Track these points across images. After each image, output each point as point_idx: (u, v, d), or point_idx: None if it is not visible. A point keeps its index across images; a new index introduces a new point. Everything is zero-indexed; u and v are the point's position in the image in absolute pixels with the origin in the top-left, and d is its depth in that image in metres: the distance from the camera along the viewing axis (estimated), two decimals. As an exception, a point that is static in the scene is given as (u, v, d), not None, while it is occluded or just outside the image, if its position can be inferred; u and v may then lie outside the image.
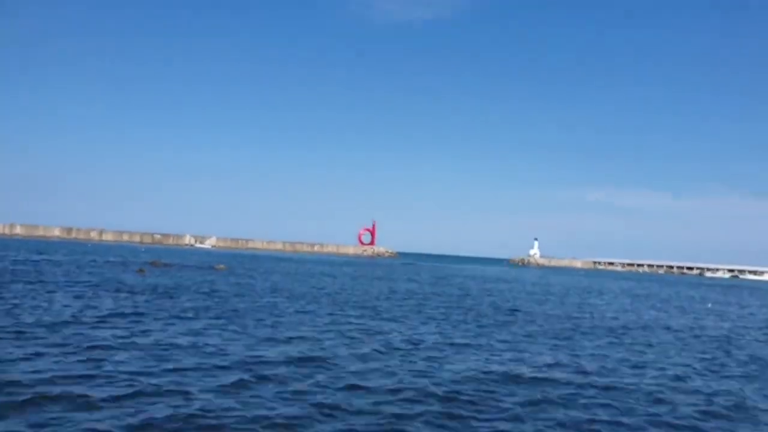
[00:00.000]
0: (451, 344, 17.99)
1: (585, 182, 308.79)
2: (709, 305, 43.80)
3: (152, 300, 24.73)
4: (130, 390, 10.76)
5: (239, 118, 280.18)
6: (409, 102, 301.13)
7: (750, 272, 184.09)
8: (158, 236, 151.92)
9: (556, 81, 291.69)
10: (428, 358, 15.48)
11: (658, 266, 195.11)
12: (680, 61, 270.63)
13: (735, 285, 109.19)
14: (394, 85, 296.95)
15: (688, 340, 22.65)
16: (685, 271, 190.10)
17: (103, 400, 10.11)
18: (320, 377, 12.71)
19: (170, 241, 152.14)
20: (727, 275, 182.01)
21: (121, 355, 13.50)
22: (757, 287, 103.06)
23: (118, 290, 27.84)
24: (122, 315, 19.75)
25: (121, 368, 12.27)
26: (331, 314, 23.77)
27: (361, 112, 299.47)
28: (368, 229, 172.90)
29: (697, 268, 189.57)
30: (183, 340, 15.78)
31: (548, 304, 36.14)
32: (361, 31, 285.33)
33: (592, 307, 35.91)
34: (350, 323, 21.48)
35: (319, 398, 11.07)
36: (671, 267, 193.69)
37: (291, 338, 17.30)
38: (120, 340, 15.20)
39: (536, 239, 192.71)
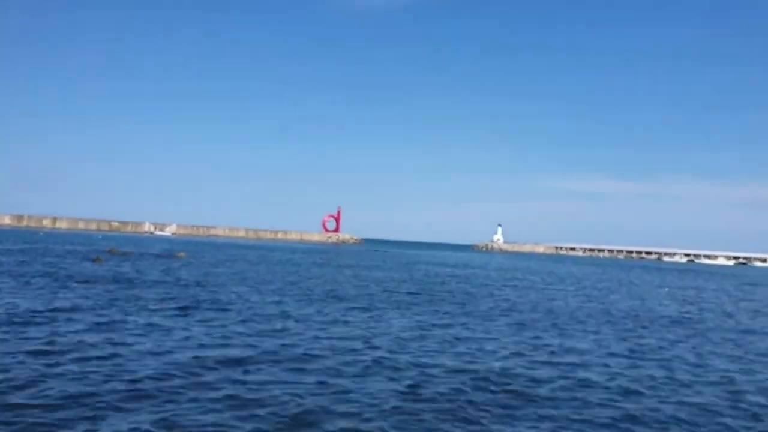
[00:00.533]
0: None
1: (547, 170, 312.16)
2: (666, 290, 44.27)
3: (109, 291, 23.37)
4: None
5: (200, 104, 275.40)
6: (375, 90, 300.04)
7: (705, 256, 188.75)
8: (116, 224, 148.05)
9: (520, 70, 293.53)
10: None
11: (618, 251, 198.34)
12: (639, 52, 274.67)
13: (691, 269, 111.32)
14: (359, 73, 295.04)
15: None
16: (643, 255, 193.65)
17: None
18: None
19: (129, 228, 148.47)
20: (684, 259, 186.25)
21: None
22: (711, 271, 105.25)
23: (70, 280, 26.35)
24: (69, 309, 18.45)
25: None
26: (296, 304, 22.79)
27: (325, 99, 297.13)
28: (333, 216, 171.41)
29: (656, 253, 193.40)
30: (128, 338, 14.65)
31: (522, 291, 35.82)
32: (326, 19, 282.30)
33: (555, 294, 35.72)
34: (326, 316, 20.53)
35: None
36: (630, 252, 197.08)
37: (251, 334, 16.28)
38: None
39: (500, 225, 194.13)
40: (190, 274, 33.09)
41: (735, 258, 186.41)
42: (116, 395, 9.69)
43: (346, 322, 18.69)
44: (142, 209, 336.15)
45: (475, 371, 12.61)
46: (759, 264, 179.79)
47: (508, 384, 11.70)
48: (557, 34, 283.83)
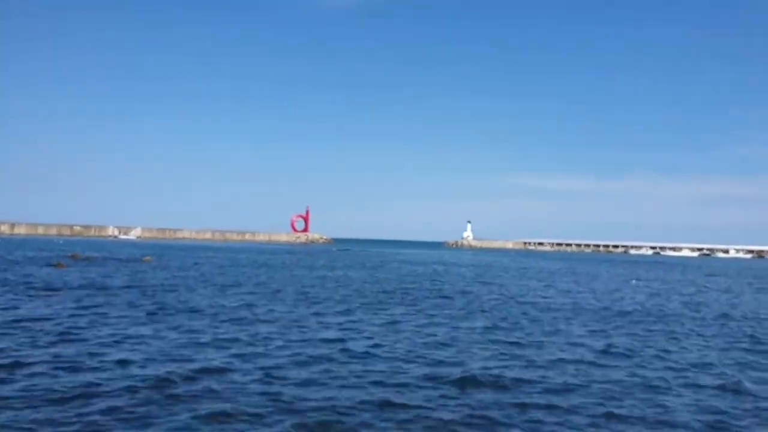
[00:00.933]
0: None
1: (515, 167, 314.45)
2: (633, 282, 44.62)
3: (74, 298, 22.21)
4: None
5: (165, 104, 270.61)
6: (342, 89, 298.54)
7: (670, 248, 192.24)
8: (78, 228, 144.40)
9: (489, 69, 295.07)
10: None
11: (585, 245, 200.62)
12: (603, 52, 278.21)
13: (657, 261, 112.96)
14: (326, 72, 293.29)
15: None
16: (611, 249, 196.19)
17: None
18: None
19: (92, 232, 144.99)
20: (650, 252, 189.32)
21: None
22: (677, 263, 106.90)
23: (31, 288, 25.06)
24: (31, 319, 17.36)
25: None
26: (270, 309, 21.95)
27: (292, 99, 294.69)
28: (301, 216, 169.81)
29: (623, 246, 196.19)
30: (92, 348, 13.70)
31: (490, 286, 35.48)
32: (301, 16, 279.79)
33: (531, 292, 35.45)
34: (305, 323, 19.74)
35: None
36: (598, 246, 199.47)
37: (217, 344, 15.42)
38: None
39: (469, 222, 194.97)
40: (157, 279, 31.93)
41: (699, 249, 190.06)
42: (90, 413, 8.82)
43: (321, 325, 17.96)
44: (105, 213, 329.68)
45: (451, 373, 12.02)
46: (721, 255, 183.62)
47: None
48: (533, 34, 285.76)
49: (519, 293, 31.40)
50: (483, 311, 22.92)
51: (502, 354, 14.47)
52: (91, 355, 12.67)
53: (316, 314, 20.36)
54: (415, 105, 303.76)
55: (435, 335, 16.88)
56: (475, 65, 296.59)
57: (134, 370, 11.52)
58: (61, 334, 14.89)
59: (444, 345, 15.41)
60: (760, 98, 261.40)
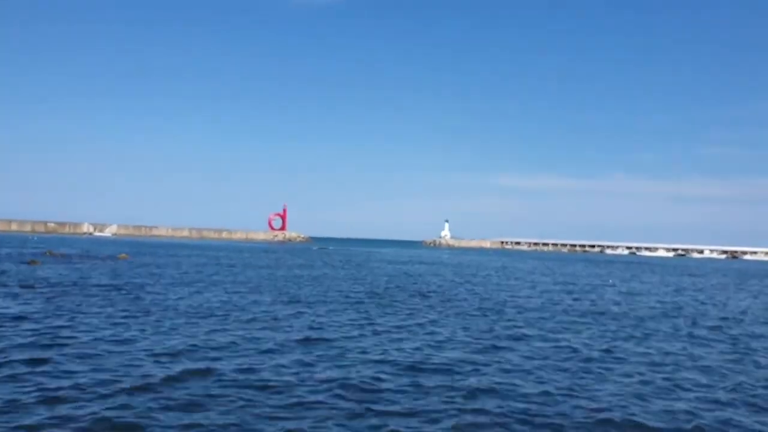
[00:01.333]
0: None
1: (492, 167, 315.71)
2: (610, 281, 45.01)
3: (49, 297, 21.74)
4: None
5: (141, 101, 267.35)
6: (320, 87, 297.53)
7: (645, 249, 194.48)
8: (53, 225, 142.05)
9: (466, 70, 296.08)
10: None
11: (562, 245, 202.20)
12: (579, 56, 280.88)
13: (633, 261, 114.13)
14: (304, 70, 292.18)
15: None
16: (587, 249, 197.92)
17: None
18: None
19: (66, 230, 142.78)
20: (626, 252, 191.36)
21: None
22: (653, 262, 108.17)
23: (3, 286, 24.50)
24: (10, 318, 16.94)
25: None
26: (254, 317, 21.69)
27: (269, 97, 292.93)
28: (279, 214, 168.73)
29: (599, 246, 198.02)
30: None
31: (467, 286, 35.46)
32: (275, 14, 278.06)
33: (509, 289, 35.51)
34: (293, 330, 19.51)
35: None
36: (574, 246, 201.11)
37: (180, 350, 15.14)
38: None
39: (447, 221, 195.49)
40: (133, 277, 31.43)
41: (674, 250, 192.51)
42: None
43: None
44: (80, 210, 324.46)
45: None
46: (696, 255, 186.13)
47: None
48: (510, 34, 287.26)
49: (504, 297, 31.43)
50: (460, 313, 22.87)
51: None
52: (67, 355, 12.37)
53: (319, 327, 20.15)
54: (392, 104, 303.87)
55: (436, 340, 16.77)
56: (453, 64, 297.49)
57: (109, 371, 11.26)
58: (37, 333, 14.52)
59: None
60: (733, 98, 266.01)
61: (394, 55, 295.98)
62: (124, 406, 9.08)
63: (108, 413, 8.72)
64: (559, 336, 17.26)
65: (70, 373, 10.81)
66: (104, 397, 9.53)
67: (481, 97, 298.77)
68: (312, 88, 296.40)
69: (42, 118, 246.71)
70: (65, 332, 14.65)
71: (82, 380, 10.36)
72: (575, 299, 29.00)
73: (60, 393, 9.63)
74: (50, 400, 9.28)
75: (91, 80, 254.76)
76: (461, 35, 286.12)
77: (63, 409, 8.86)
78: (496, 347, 15.13)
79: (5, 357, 11.72)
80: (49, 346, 12.93)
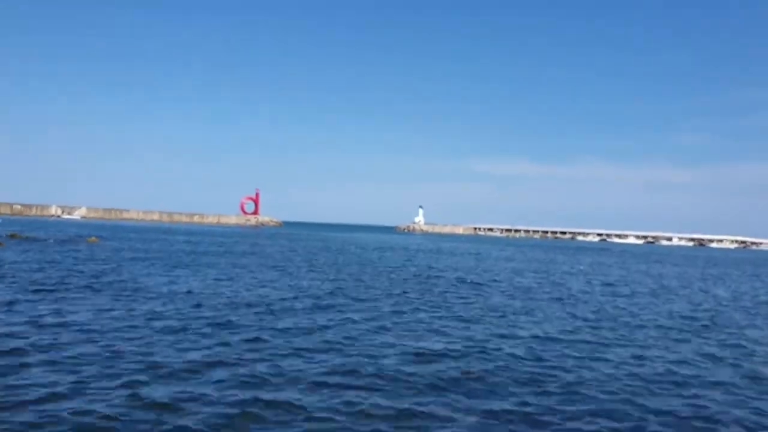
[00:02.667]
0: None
1: (466, 153, 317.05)
2: (582, 267, 45.52)
3: (14, 279, 21.07)
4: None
5: (111, 83, 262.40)
6: (295, 70, 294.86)
7: (616, 236, 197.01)
8: (18, 207, 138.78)
9: (444, 56, 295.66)
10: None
11: (534, 231, 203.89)
12: (554, 43, 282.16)
13: (604, 248, 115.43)
14: (277, 52, 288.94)
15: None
16: (558, 235, 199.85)
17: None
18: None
19: (33, 212, 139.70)
20: (596, 239, 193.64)
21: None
22: (622, 249, 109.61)
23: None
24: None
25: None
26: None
27: (242, 80, 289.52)
28: (251, 198, 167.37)
29: (570, 233, 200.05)
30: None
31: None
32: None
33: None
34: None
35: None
36: (546, 232, 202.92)
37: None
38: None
39: (421, 207, 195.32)
40: (104, 260, 30.73)
41: (644, 237, 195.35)
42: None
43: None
44: (47, 192, 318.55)
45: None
46: (665, 243, 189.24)
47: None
48: (486, 20, 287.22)
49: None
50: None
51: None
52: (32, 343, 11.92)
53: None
54: (367, 88, 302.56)
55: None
56: (427, 50, 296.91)
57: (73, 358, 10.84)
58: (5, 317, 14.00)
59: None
60: (705, 88, 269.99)
61: (369, 42, 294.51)
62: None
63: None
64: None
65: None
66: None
67: (458, 80, 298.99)
68: (286, 71, 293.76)
69: (8, 99, 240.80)
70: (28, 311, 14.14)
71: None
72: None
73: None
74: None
75: (58, 60, 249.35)
76: (436, 21, 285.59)
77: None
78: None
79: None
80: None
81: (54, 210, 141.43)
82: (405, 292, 22.96)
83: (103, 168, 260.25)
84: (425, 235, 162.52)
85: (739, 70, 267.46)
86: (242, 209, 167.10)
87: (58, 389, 8.84)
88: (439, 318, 17.08)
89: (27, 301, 16.47)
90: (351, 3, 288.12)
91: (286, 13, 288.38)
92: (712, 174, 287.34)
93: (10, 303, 15.89)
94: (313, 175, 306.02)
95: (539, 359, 12.31)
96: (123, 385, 9.18)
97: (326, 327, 14.77)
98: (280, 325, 14.75)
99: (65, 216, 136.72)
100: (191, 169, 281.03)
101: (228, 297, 19.23)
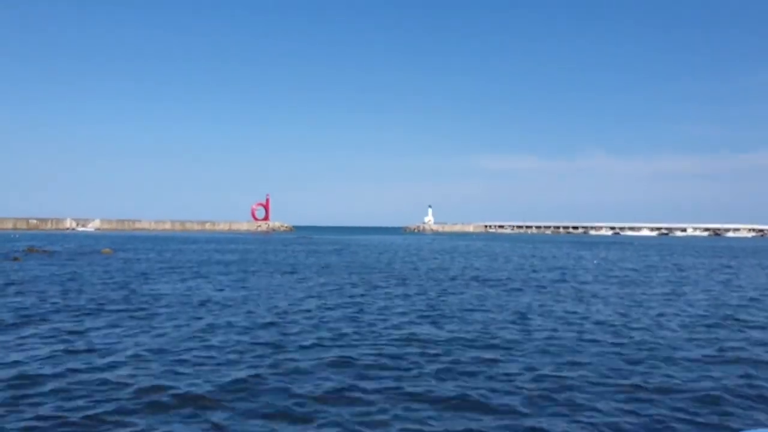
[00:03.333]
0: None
1: (472, 151, 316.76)
2: (595, 262, 45.58)
3: (38, 293, 21.72)
4: None
5: (120, 94, 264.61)
6: (301, 74, 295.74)
7: (629, 228, 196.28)
8: (35, 221, 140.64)
9: (445, 53, 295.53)
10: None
11: (545, 227, 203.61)
12: (557, 37, 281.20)
13: (617, 241, 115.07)
14: (283, 58, 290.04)
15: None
16: (570, 230, 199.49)
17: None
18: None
19: (49, 226, 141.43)
20: (609, 232, 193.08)
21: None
22: (636, 242, 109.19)
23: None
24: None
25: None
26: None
27: (251, 86, 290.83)
28: (262, 204, 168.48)
29: (582, 227, 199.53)
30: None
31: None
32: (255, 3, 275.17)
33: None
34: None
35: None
36: (558, 227, 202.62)
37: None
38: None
39: (430, 206, 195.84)
40: (119, 271, 31.40)
41: (657, 229, 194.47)
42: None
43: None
44: (62, 205, 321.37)
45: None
46: (680, 234, 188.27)
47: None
48: (490, 16, 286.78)
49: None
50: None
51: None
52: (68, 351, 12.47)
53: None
54: (373, 90, 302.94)
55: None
56: (433, 47, 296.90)
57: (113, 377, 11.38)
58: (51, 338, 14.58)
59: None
60: (712, 74, 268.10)
61: (373, 41, 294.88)
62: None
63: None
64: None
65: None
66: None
67: (464, 77, 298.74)
68: (294, 77, 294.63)
69: (20, 115, 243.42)
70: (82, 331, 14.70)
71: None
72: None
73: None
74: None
75: (69, 74, 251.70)
76: (439, 18, 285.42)
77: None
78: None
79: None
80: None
81: (69, 223, 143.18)
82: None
83: (116, 180, 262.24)
84: (436, 234, 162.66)
85: (746, 55, 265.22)
86: (253, 215, 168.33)
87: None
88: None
89: (94, 327, 17.02)
90: (358, 5, 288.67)
91: (294, 14, 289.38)
92: (724, 163, 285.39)
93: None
94: (321, 178, 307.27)
95: None
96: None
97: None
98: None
99: (80, 228, 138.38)
100: (201, 177, 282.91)
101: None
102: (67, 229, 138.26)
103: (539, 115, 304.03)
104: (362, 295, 21.90)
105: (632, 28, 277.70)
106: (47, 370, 10.55)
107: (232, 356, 11.84)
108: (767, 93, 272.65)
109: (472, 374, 10.72)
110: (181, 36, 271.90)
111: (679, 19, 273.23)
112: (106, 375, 10.29)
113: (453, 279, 29.14)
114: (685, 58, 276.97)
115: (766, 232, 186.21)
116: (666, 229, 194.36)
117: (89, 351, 12.10)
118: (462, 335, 14.20)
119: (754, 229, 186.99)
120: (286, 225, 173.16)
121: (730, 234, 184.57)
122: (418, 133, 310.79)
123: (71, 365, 10.89)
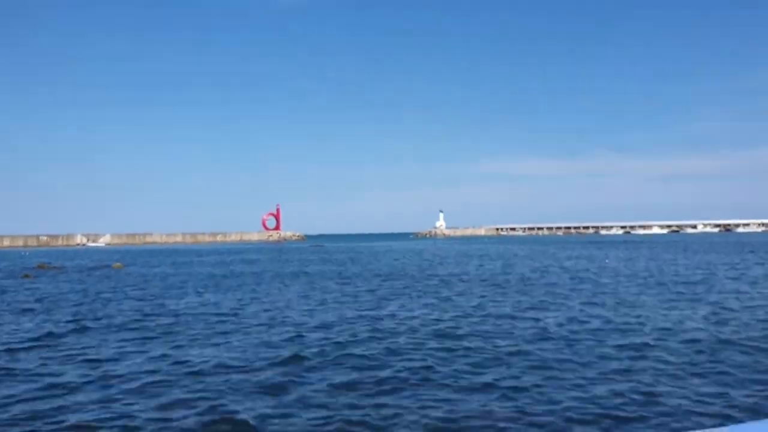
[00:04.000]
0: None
1: (483, 154, 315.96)
2: (607, 260, 45.17)
3: (48, 310, 21.21)
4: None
5: (128, 108, 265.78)
6: (309, 83, 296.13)
7: (640, 227, 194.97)
8: (45, 238, 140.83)
9: (449, 57, 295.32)
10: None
11: (557, 228, 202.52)
12: (561, 37, 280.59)
13: (628, 240, 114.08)
14: (290, 67, 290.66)
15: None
16: (581, 231, 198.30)
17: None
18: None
19: (59, 242, 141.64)
20: (620, 232, 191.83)
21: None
22: (648, 240, 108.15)
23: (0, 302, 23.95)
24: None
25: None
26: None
27: (260, 96, 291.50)
28: (272, 214, 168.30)
29: (593, 227, 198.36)
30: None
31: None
32: (260, 13, 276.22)
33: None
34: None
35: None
36: (569, 228, 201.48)
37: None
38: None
39: (441, 211, 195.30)
40: (133, 286, 30.91)
41: (668, 226, 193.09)
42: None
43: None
44: (72, 221, 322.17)
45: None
46: (690, 230, 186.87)
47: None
48: (493, 21, 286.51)
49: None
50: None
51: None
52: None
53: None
54: (382, 97, 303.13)
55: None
56: (436, 52, 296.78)
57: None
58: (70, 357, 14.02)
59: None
60: (720, 71, 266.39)
61: (379, 48, 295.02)
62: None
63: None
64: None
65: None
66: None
67: (467, 81, 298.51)
68: (300, 85, 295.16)
69: (28, 130, 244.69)
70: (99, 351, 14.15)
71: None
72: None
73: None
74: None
75: (77, 89, 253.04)
76: (441, 23, 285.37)
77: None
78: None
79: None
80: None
81: (79, 239, 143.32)
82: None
83: (126, 194, 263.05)
84: (447, 239, 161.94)
85: (751, 51, 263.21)
86: (264, 225, 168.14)
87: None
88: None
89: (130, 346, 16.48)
90: (358, 10, 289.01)
91: (295, 22, 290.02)
92: (733, 159, 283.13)
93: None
94: (330, 187, 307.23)
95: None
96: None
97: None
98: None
99: (90, 244, 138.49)
100: (211, 188, 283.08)
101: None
102: (78, 245, 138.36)
103: (546, 117, 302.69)
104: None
105: (640, 25, 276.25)
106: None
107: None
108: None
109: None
110: (189, 50, 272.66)
111: (682, 14, 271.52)
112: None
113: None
114: (692, 56, 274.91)
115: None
116: (677, 226, 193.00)
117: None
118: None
119: (763, 224, 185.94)
120: (297, 234, 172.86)
121: (741, 229, 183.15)
122: (426, 140, 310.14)
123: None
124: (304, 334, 15.14)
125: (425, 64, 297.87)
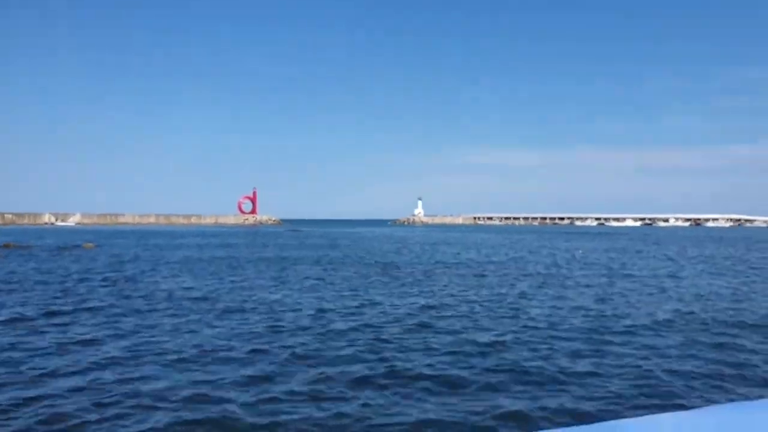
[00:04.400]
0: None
1: (463, 143, 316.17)
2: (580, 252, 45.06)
3: (16, 291, 19.88)
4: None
5: (103, 86, 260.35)
6: (286, 69, 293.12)
7: (614, 219, 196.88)
8: (10, 216, 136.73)
9: (429, 48, 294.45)
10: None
11: (533, 218, 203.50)
12: (542, 30, 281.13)
13: (602, 232, 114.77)
14: (269, 52, 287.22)
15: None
16: (557, 221, 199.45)
17: None
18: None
19: (25, 220, 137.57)
20: (595, 223, 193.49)
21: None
22: (620, 232, 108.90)
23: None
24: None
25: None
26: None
27: (238, 79, 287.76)
28: (249, 197, 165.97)
29: (568, 218, 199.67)
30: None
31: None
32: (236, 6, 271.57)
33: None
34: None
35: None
36: (545, 219, 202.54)
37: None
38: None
39: (420, 199, 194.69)
40: (104, 266, 29.54)
41: (641, 219, 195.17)
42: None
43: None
44: (39, 200, 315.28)
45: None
46: (662, 224, 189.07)
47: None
48: (470, 13, 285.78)
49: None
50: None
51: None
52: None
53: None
54: (361, 84, 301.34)
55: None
56: (416, 42, 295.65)
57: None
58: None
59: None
60: (690, 69, 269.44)
61: (358, 38, 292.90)
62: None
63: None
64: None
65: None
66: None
67: (451, 71, 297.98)
68: (280, 71, 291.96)
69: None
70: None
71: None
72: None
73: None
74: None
75: (50, 65, 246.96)
76: (424, 15, 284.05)
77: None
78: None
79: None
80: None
81: (47, 218, 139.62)
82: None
83: (97, 173, 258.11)
84: (426, 226, 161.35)
85: (725, 49, 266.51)
86: (240, 209, 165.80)
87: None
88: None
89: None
90: (344, 2, 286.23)
91: (276, 10, 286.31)
92: (705, 155, 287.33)
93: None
94: (309, 172, 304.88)
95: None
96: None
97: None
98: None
99: (59, 223, 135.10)
100: (186, 170, 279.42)
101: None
102: (46, 223, 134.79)
103: (526, 109, 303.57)
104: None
105: (619, 20, 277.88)
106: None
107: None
108: (747, 86, 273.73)
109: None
110: (167, 31, 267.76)
111: (661, 11, 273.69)
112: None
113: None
114: (668, 52, 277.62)
115: (742, 221, 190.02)
116: (649, 219, 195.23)
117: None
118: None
119: (731, 219, 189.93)
120: (273, 218, 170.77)
121: (710, 224, 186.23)
122: (405, 128, 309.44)
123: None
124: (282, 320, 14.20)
125: (407, 55, 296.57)
